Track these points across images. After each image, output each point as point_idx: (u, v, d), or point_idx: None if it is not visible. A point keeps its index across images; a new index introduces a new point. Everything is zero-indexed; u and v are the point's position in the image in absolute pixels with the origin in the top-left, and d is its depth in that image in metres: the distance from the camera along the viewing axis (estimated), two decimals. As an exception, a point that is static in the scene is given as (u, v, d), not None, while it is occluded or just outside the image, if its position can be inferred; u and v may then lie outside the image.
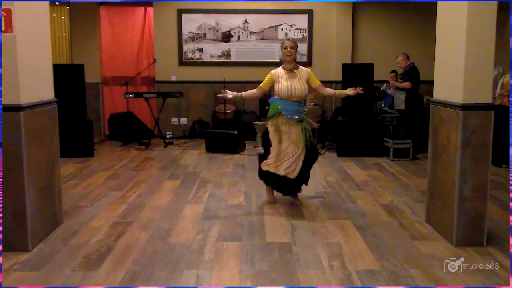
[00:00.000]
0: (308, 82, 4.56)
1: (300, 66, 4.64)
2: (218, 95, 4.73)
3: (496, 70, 6.75)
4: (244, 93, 4.66)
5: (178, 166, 6.57)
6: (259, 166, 4.78)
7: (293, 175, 4.56)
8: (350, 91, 4.60)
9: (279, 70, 4.58)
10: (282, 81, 4.50)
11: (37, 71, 3.77)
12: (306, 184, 4.83)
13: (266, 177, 4.78)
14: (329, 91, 4.76)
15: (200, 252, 3.59)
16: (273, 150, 4.57)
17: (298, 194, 4.91)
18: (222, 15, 8.89)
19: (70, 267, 3.32)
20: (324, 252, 3.57)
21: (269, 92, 5.03)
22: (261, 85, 4.63)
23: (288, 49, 4.48)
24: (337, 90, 4.92)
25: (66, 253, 3.56)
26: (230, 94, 4.59)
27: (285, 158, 4.52)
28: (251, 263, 3.39)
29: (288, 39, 4.59)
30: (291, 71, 4.54)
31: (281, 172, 4.55)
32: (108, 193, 5.20)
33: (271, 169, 4.61)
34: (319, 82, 4.65)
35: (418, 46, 8.73)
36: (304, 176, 4.71)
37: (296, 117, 4.50)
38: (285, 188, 4.80)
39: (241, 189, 5.37)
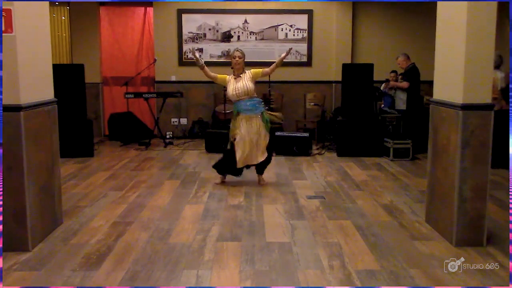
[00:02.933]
0: (253, 79, 5.32)
1: (246, 71, 5.39)
2: (192, 55, 5.45)
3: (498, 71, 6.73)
4: (205, 67, 5.37)
5: (178, 166, 6.57)
6: (220, 163, 5.56)
7: (258, 160, 5.38)
8: (283, 54, 5.32)
9: (230, 76, 5.40)
10: (229, 86, 5.34)
11: (37, 71, 3.77)
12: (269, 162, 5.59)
13: (226, 170, 5.54)
14: (270, 68, 5.44)
15: (200, 252, 3.59)
16: (237, 149, 5.30)
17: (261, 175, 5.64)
18: (222, 15, 8.89)
19: (70, 267, 3.32)
20: (324, 252, 3.57)
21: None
22: (218, 75, 5.43)
23: (237, 59, 5.31)
24: (276, 62, 5.45)
25: (66, 253, 3.56)
26: (197, 54, 5.38)
27: (249, 148, 5.29)
28: (251, 263, 3.39)
29: (237, 50, 5.38)
30: (238, 76, 5.34)
31: (251, 162, 5.39)
32: (108, 193, 5.20)
33: (242, 164, 5.36)
34: (259, 70, 5.41)
35: (418, 46, 8.73)
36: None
37: (253, 111, 5.28)
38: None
39: (241, 189, 5.37)
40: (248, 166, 5.53)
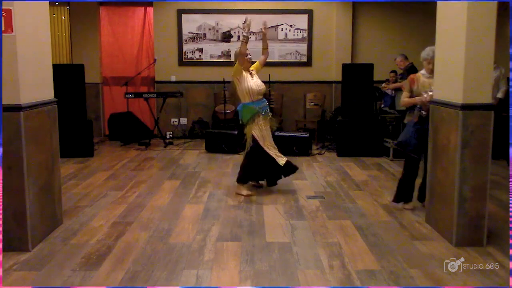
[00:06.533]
0: (257, 73, 5.20)
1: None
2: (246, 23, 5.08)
3: (498, 71, 6.73)
4: (245, 45, 4.95)
5: (178, 166, 6.57)
6: (244, 171, 5.16)
7: (281, 161, 5.07)
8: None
9: (245, 72, 5.06)
10: (249, 81, 4.99)
11: (37, 71, 3.77)
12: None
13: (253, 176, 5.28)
14: (263, 56, 5.38)
15: (200, 252, 3.59)
16: (266, 147, 5.05)
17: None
18: (222, 15, 8.89)
19: (70, 267, 3.32)
20: (324, 252, 3.58)
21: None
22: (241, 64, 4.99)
23: (249, 56, 5.07)
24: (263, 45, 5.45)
25: (66, 253, 3.56)
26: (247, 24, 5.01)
27: (272, 147, 5.10)
28: (251, 263, 3.39)
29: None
30: (250, 73, 5.10)
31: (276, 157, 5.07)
32: (108, 193, 5.20)
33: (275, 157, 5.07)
34: (257, 63, 5.28)
35: (418, 46, 8.66)
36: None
37: (269, 111, 5.14)
38: (273, 175, 5.25)
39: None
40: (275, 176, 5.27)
